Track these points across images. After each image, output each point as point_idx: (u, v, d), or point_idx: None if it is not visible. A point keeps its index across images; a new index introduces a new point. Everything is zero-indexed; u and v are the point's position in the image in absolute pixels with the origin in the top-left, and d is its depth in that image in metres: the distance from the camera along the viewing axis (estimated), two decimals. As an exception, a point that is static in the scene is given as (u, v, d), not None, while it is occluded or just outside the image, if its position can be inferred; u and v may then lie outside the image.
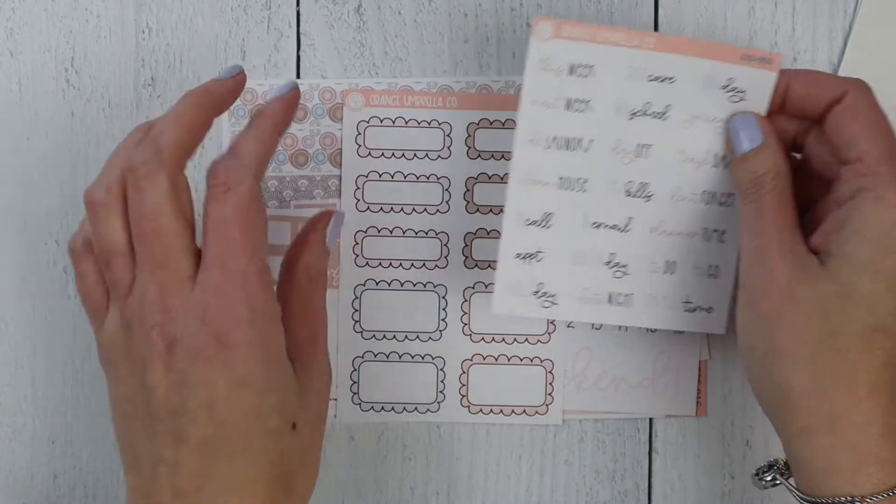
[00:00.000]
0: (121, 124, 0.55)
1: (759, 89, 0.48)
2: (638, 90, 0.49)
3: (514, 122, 0.49)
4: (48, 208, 0.55)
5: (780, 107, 0.48)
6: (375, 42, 0.55)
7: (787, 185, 0.46)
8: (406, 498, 0.54)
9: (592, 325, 0.55)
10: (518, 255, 0.50)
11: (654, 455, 0.55)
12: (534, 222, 0.50)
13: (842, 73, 0.54)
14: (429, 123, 0.54)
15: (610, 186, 0.50)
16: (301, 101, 0.54)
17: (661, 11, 0.55)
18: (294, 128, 0.55)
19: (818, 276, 0.44)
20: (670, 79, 0.49)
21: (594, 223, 0.50)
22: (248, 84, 0.54)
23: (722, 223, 0.51)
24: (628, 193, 0.50)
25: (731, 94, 0.49)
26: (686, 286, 0.51)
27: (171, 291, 0.43)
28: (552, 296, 0.51)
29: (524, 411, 0.55)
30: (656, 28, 0.55)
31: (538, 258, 0.50)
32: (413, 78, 0.55)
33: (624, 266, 0.51)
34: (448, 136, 0.54)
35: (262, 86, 0.54)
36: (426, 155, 0.54)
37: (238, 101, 0.54)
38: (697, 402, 0.55)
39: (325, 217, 0.49)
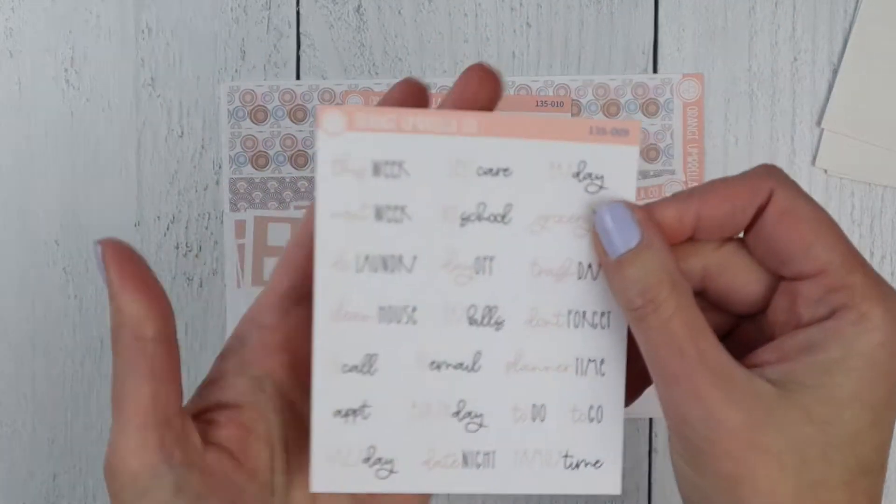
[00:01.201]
0: (121, 124, 0.55)
1: (621, 170, 0.38)
2: (467, 188, 0.38)
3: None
4: (48, 208, 0.55)
5: (686, 239, 0.38)
6: (375, 42, 0.55)
7: (689, 297, 0.36)
8: (406, 498, 0.54)
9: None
10: (338, 413, 0.38)
11: (654, 455, 0.55)
12: (353, 368, 0.38)
13: (842, 73, 0.54)
14: (428, 124, 0.54)
15: (447, 314, 0.38)
16: (300, 103, 0.54)
17: (660, 11, 0.55)
18: (293, 129, 0.54)
19: (785, 416, 0.35)
20: (505, 170, 0.38)
21: (432, 363, 0.38)
22: (248, 85, 0.55)
23: (599, 351, 0.39)
24: (472, 321, 0.38)
25: (586, 182, 0.38)
26: (563, 436, 0.39)
27: None
28: (389, 462, 0.39)
29: (524, 412, 0.54)
30: (656, 29, 0.55)
31: (364, 414, 0.38)
32: (413, 78, 0.55)
33: (479, 416, 0.39)
34: (448, 136, 0.54)
35: (262, 87, 0.54)
36: (426, 156, 0.54)
37: (238, 103, 0.54)
38: (697, 402, 0.55)
39: None
